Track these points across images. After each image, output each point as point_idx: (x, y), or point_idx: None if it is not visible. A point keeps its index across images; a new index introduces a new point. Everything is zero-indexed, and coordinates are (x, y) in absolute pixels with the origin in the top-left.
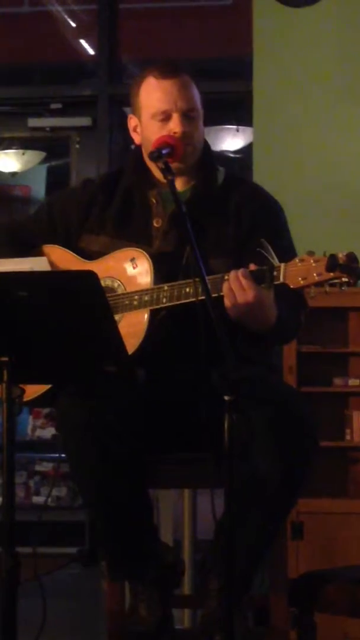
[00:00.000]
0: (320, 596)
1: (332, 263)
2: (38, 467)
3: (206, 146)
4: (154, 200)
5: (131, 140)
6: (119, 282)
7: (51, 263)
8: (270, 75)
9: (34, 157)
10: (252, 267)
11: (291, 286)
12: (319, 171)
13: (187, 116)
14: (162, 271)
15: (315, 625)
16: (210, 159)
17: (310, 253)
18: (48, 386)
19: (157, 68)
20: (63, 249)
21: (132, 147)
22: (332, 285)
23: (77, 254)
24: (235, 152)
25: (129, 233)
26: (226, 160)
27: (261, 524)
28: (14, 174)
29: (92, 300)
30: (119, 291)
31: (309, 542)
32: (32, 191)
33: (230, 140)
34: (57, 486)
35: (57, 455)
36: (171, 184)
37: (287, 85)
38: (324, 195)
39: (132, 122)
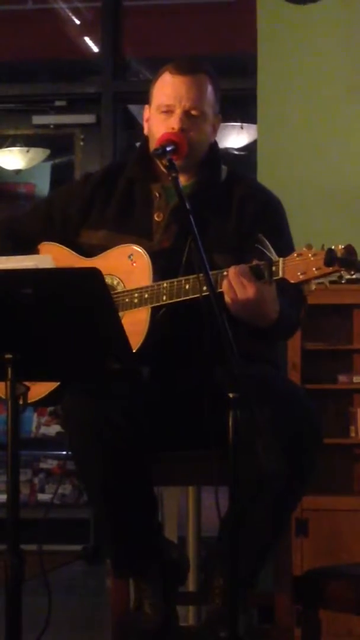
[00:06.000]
0: (325, 593)
1: (330, 257)
2: (43, 465)
3: (213, 146)
4: (157, 194)
5: (135, 137)
6: (118, 280)
7: None
8: (274, 72)
9: (38, 154)
10: (254, 263)
11: (291, 281)
12: (324, 168)
13: (188, 114)
14: (162, 267)
15: (319, 622)
16: (216, 157)
17: (308, 246)
18: (52, 387)
19: (175, 63)
20: (60, 246)
21: (137, 145)
22: (333, 282)
23: (76, 249)
24: (239, 149)
25: (129, 226)
26: (230, 158)
27: (266, 521)
28: (18, 172)
29: (96, 297)
30: (119, 289)
31: (314, 539)
32: (36, 188)
33: (235, 138)
34: (62, 483)
35: (62, 452)
36: (175, 181)
37: (291, 82)
38: (329, 192)
39: (146, 112)
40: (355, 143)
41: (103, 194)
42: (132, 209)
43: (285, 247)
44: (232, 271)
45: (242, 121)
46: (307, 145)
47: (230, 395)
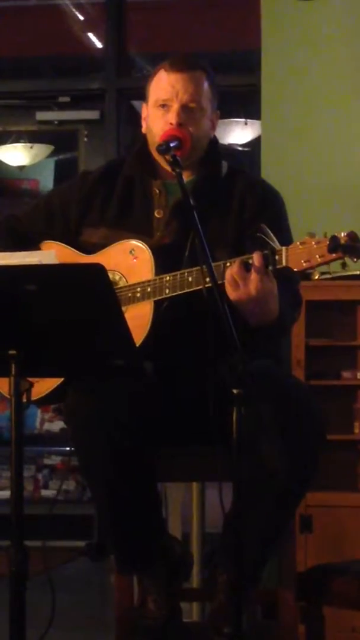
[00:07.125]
0: (329, 590)
1: (334, 244)
2: (46, 461)
3: (213, 142)
4: (157, 191)
5: (139, 131)
6: (120, 275)
7: None
8: (278, 68)
9: (42, 150)
10: (258, 256)
11: (294, 269)
12: (327, 164)
13: (186, 109)
14: (163, 263)
15: (323, 619)
16: (216, 153)
17: (311, 235)
18: (55, 384)
19: (171, 60)
20: (61, 244)
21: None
22: (338, 278)
23: (77, 247)
24: (243, 145)
25: (129, 224)
26: (235, 153)
27: (269, 518)
28: (22, 168)
29: (100, 293)
30: (121, 284)
31: (318, 536)
32: (40, 185)
33: (239, 134)
34: (66, 479)
35: (66, 448)
36: (179, 177)
37: (295, 78)
38: (332, 188)
39: (144, 110)
40: (359, 138)
41: (102, 192)
42: (132, 207)
43: (284, 239)
44: (235, 262)
45: (246, 117)
46: (311, 141)
47: (234, 391)
